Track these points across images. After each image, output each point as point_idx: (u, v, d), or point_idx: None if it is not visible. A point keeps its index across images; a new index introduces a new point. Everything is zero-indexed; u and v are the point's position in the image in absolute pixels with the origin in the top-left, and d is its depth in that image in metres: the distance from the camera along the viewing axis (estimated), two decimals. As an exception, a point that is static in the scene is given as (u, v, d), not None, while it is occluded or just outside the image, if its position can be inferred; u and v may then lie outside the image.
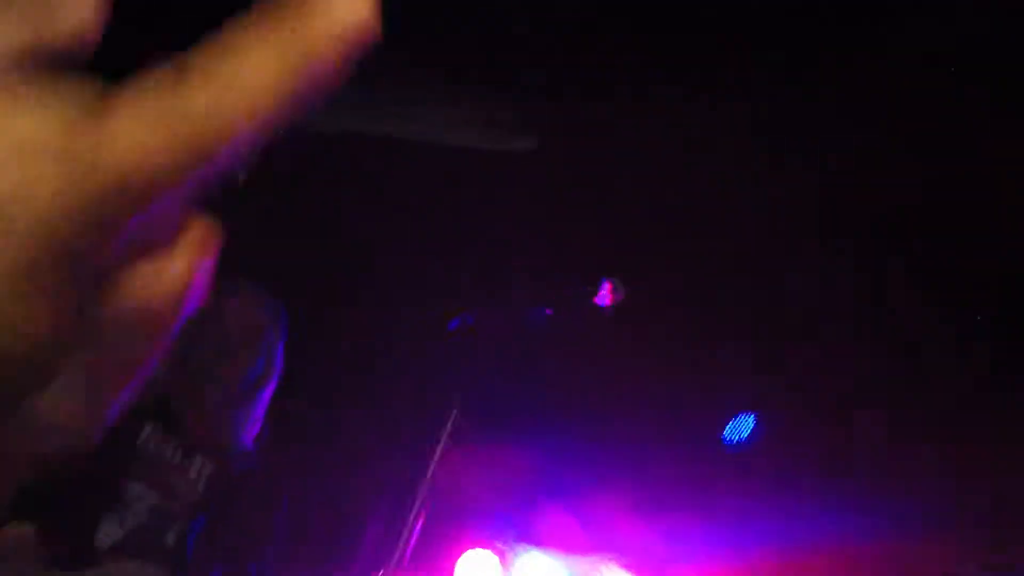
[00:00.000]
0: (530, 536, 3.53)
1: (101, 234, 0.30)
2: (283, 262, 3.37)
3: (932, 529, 3.32)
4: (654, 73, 2.92)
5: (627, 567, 3.45)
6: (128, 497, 2.32)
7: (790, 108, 3.01)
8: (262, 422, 2.53)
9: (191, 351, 2.43)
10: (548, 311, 3.10)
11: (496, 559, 3.45)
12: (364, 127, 3.10)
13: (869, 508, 3.39)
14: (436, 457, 3.00)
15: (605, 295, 3.06)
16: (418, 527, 3.04)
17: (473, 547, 3.47)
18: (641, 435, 3.65)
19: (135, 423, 2.37)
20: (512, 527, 3.52)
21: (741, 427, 3.75)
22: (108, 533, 2.29)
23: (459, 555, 3.44)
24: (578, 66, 2.97)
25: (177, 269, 0.34)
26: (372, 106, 2.94)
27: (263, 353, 2.50)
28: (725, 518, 3.53)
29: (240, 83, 0.31)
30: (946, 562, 3.40)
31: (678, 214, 3.31)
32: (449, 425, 2.98)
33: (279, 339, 2.55)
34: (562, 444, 3.64)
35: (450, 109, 2.99)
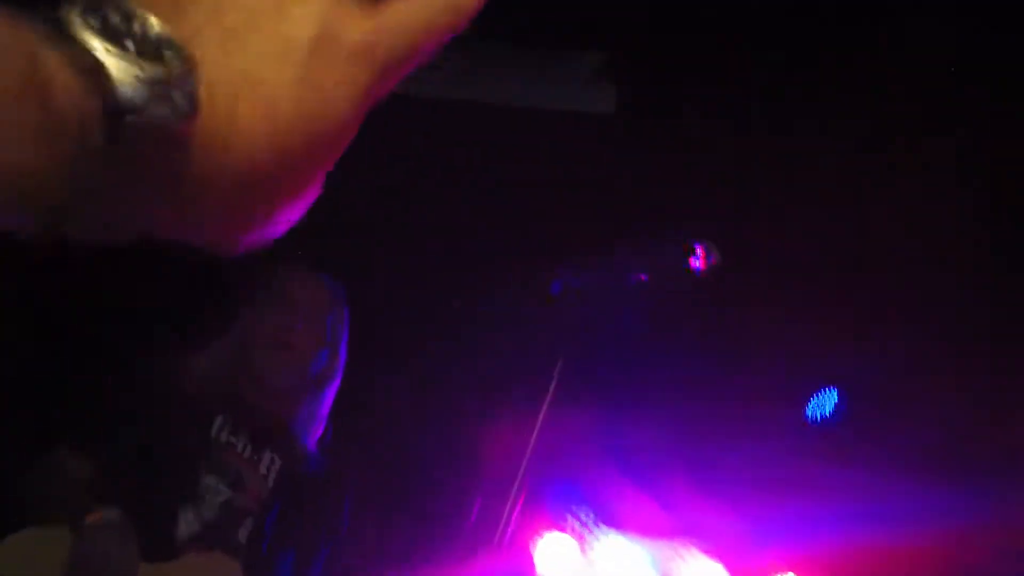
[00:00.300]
0: (610, 519, 3.46)
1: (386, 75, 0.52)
2: (378, 229, 3.33)
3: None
4: (742, 30, 2.83)
5: (708, 552, 3.37)
6: (202, 490, 2.29)
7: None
8: (326, 423, 2.47)
9: (253, 345, 2.37)
10: (643, 277, 3.01)
11: (575, 543, 3.39)
12: (448, 93, 3.03)
13: (960, 488, 3.27)
14: (536, 432, 2.93)
15: (699, 259, 2.97)
16: (520, 504, 2.99)
17: (551, 530, 3.40)
18: (724, 414, 3.56)
19: (207, 416, 2.34)
20: (592, 510, 3.45)
21: (824, 403, 3.64)
22: (186, 525, 2.26)
23: (537, 537, 3.38)
24: (659, 26, 2.88)
25: None
26: (456, 72, 2.87)
27: (326, 346, 2.43)
28: (809, 500, 3.43)
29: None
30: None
31: (763, 180, 3.21)
32: (548, 398, 2.91)
33: (342, 334, 2.48)
34: (644, 424, 3.55)
35: (527, 71, 2.92)
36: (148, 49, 0.44)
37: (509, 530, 3.01)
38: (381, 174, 2.81)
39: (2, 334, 2.24)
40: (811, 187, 3.20)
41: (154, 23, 0.45)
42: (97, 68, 0.43)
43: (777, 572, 3.45)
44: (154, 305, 2.41)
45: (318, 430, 2.46)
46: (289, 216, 0.52)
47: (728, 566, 3.41)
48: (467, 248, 3.40)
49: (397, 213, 3.28)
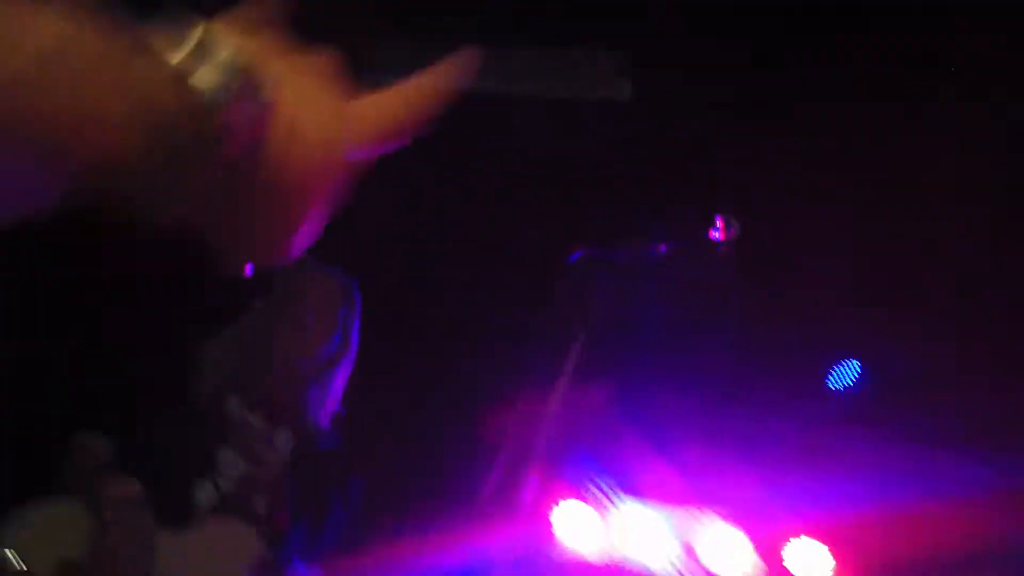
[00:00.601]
0: (628, 486, 3.49)
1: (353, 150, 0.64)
2: (408, 210, 3.39)
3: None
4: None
5: (728, 518, 3.40)
6: (220, 463, 2.38)
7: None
8: (339, 401, 2.55)
9: (269, 328, 2.46)
10: (663, 247, 3.04)
11: (594, 510, 3.43)
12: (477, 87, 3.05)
13: (981, 457, 3.27)
14: (553, 403, 2.98)
15: (718, 230, 2.99)
16: (537, 473, 3.04)
17: (570, 498, 3.44)
18: (745, 382, 3.57)
19: (223, 396, 2.43)
20: (611, 477, 3.49)
21: (846, 373, 3.64)
22: (205, 496, 2.35)
23: (556, 505, 3.43)
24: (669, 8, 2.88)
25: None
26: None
27: (337, 330, 2.52)
28: (830, 468, 3.44)
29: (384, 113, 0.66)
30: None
31: (785, 150, 3.20)
32: (567, 368, 2.96)
33: (353, 317, 2.56)
34: (663, 392, 3.57)
35: (539, 60, 2.93)
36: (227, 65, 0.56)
37: (527, 499, 3.07)
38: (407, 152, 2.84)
39: (36, 330, 2.34)
40: (832, 156, 3.19)
41: (232, 49, 0.57)
42: (186, 77, 0.54)
43: (796, 537, 3.47)
44: (168, 295, 2.51)
45: (331, 408, 2.55)
46: (314, 227, 0.65)
47: (748, 532, 3.43)
48: (489, 222, 3.44)
49: (422, 188, 3.33)
